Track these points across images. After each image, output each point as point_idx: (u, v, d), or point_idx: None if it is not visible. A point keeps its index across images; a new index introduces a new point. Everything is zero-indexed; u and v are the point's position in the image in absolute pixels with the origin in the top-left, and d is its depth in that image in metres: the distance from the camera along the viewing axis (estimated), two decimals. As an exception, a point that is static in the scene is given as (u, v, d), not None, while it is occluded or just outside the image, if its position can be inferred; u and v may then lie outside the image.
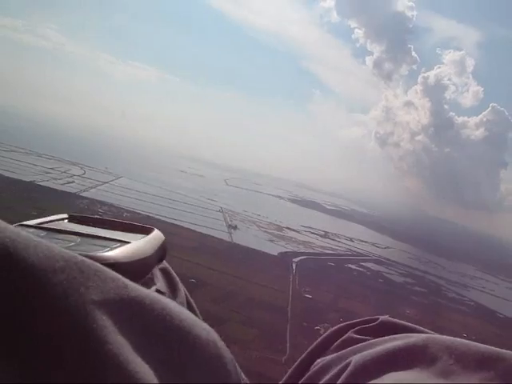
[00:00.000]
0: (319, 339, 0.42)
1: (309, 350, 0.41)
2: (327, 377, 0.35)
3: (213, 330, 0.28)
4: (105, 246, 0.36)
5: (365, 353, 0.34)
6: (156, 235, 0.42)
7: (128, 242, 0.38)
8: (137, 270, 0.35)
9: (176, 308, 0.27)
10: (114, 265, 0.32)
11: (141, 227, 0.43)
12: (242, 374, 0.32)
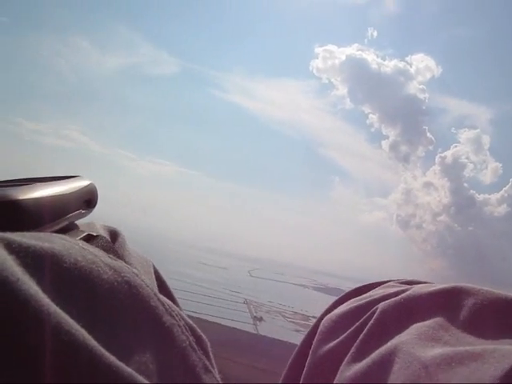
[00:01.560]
0: (330, 304, 0.40)
1: (321, 314, 0.40)
2: (353, 327, 0.34)
3: (134, 275, 0.25)
4: (7, 187, 0.31)
5: (390, 301, 0.33)
6: (79, 179, 0.37)
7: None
8: (49, 208, 0.31)
9: (106, 260, 0.24)
10: (13, 203, 0.28)
11: (62, 177, 0.37)
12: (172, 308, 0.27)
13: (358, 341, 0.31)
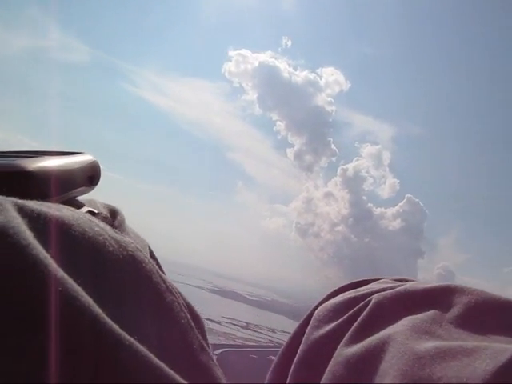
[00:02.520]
0: (325, 295, 0.40)
1: (315, 305, 0.39)
2: (345, 316, 0.34)
3: (137, 250, 0.26)
4: (14, 158, 0.31)
5: (385, 293, 0.33)
6: (84, 155, 0.37)
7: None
8: (57, 181, 0.31)
9: (107, 231, 0.24)
10: (25, 173, 0.28)
11: (67, 152, 0.37)
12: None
13: (352, 328, 0.32)
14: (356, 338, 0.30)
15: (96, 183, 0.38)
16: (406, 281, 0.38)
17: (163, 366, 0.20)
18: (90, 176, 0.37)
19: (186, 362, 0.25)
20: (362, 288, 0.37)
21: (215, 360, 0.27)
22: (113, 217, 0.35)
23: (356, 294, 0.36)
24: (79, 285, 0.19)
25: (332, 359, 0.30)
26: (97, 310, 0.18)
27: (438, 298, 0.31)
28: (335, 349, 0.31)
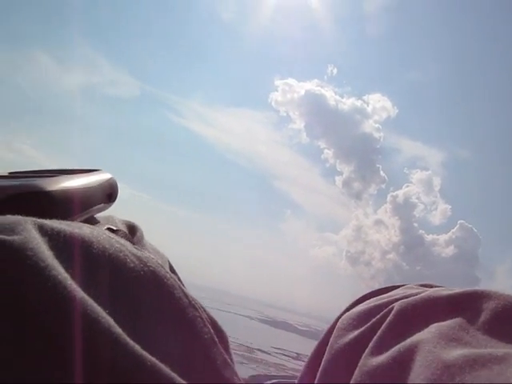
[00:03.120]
0: (349, 303, 0.40)
1: (339, 314, 0.39)
2: (369, 323, 0.33)
3: (159, 266, 0.25)
4: (36, 177, 0.31)
5: (409, 299, 0.32)
6: (101, 173, 0.38)
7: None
8: (76, 200, 0.31)
9: (128, 248, 0.24)
10: (44, 193, 0.28)
11: (85, 170, 0.38)
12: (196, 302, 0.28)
13: (376, 336, 0.31)
14: (380, 347, 0.30)
15: (114, 200, 0.38)
16: (431, 286, 0.37)
17: None
18: (109, 193, 0.37)
19: (209, 377, 0.25)
20: (386, 295, 0.37)
21: (238, 375, 0.27)
22: (132, 233, 0.35)
23: (379, 301, 0.36)
24: (100, 304, 0.19)
25: (357, 368, 0.30)
26: (117, 330, 0.18)
27: (464, 303, 0.30)
28: (359, 357, 0.30)
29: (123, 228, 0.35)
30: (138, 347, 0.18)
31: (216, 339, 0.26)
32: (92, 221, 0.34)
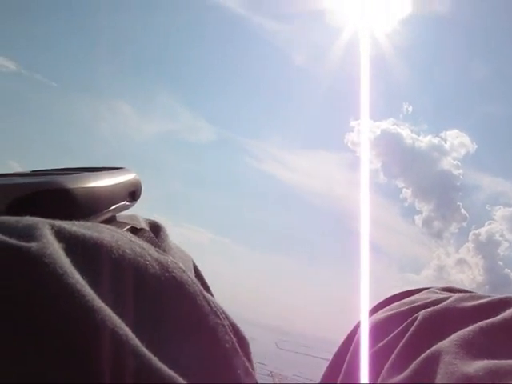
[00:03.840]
0: (372, 307, 0.40)
1: (358, 322, 0.39)
2: (394, 333, 0.33)
3: (181, 271, 0.24)
4: (57, 175, 0.31)
5: (433, 309, 0.32)
6: (125, 171, 0.37)
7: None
8: (97, 198, 0.31)
9: (149, 250, 0.23)
10: (65, 191, 0.27)
11: (109, 168, 0.37)
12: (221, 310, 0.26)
13: (398, 347, 0.31)
14: (402, 359, 0.30)
15: (137, 198, 0.37)
16: (453, 290, 0.37)
17: None
18: (132, 192, 0.36)
19: None
20: (409, 300, 0.37)
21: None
22: (156, 232, 0.34)
23: (402, 308, 0.35)
24: (118, 313, 0.18)
25: (379, 379, 0.30)
26: (135, 342, 0.18)
27: (487, 313, 0.30)
28: (382, 367, 0.30)
29: (146, 227, 0.34)
30: (155, 359, 0.18)
31: (237, 347, 0.25)
32: (115, 219, 0.34)
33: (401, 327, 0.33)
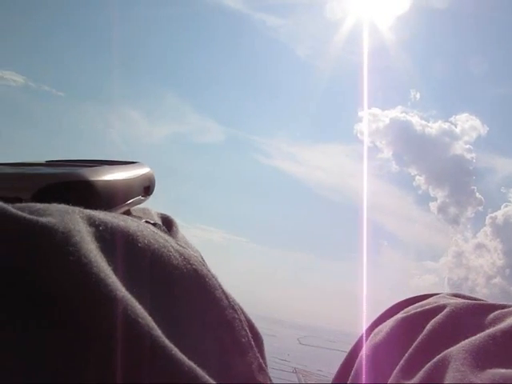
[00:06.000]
0: (381, 313, 0.40)
1: (372, 323, 0.40)
2: (402, 340, 0.33)
3: (201, 264, 0.25)
4: (75, 167, 0.32)
5: (442, 315, 0.32)
6: (140, 165, 0.38)
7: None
8: (117, 192, 0.32)
9: (167, 242, 0.24)
10: (87, 183, 0.28)
11: (125, 162, 0.39)
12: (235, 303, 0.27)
13: (407, 353, 0.31)
14: (410, 366, 0.30)
15: (151, 193, 0.38)
16: (463, 297, 0.37)
17: None
18: (146, 187, 0.37)
19: (244, 381, 0.24)
20: (418, 305, 0.37)
21: (272, 380, 0.27)
22: (168, 226, 0.35)
23: (410, 313, 0.36)
24: (141, 302, 0.18)
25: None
26: (157, 333, 0.18)
27: (497, 320, 0.30)
28: (391, 372, 0.30)
29: (159, 221, 0.35)
30: (176, 350, 0.18)
31: (253, 343, 0.26)
32: (129, 213, 0.34)
33: (409, 334, 0.33)
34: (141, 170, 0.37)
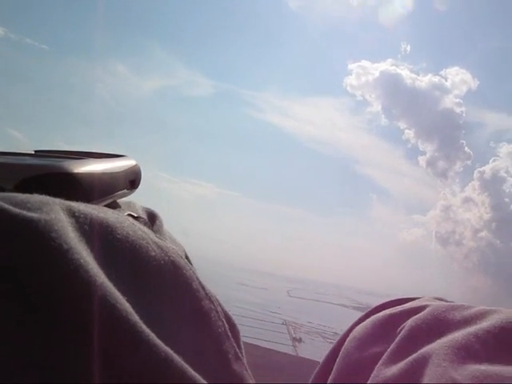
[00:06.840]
0: (364, 313, 0.40)
1: (353, 323, 0.39)
2: (383, 336, 0.34)
3: (179, 256, 0.26)
4: (63, 158, 0.32)
5: (422, 314, 0.33)
6: (126, 159, 0.38)
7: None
8: (100, 184, 0.32)
9: (148, 235, 0.25)
10: (69, 175, 0.29)
11: (112, 155, 0.39)
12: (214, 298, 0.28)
13: (388, 350, 0.31)
14: (393, 360, 0.30)
15: (136, 187, 0.38)
16: (446, 301, 0.37)
17: (198, 377, 0.20)
18: (132, 180, 0.37)
19: (220, 370, 0.25)
20: (399, 307, 0.37)
21: (248, 370, 0.27)
22: (151, 221, 0.35)
23: (392, 312, 0.36)
24: (119, 290, 0.19)
25: (370, 379, 0.30)
26: (135, 318, 0.18)
27: (477, 320, 0.30)
28: (372, 370, 0.31)
29: (143, 215, 0.35)
30: (153, 336, 0.19)
31: (229, 333, 0.27)
32: (114, 206, 0.34)
33: (391, 331, 0.33)
34: (126, 163, 0.37)
